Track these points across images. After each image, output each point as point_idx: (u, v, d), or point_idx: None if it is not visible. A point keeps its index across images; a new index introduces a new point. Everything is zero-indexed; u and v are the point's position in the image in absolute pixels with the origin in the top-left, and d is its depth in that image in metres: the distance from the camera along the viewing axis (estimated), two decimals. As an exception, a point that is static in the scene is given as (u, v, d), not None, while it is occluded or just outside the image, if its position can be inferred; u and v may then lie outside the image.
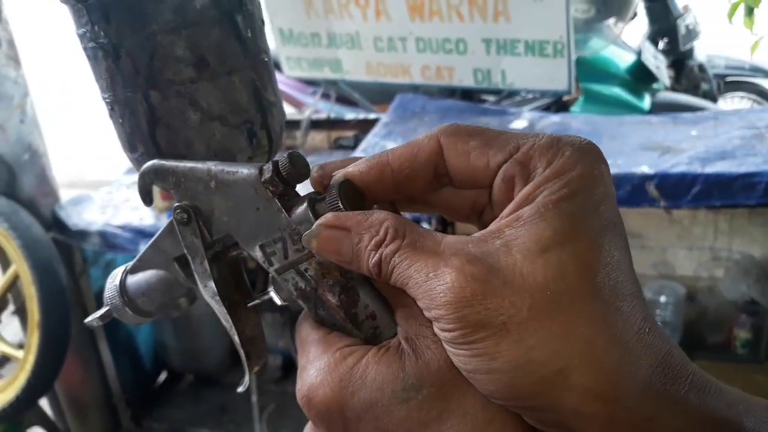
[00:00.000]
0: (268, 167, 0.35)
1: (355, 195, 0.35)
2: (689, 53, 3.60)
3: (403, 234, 0.32)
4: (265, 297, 0.39)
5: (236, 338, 0.38)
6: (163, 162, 0.38)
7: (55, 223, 1.94)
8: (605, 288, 0.29)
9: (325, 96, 2.73)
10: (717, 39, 4.28)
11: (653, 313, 2.04)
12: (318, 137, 2.43)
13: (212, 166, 0.37)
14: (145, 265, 0.41)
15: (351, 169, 0.36)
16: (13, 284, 1.86)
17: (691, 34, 3.56)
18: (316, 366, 0.34)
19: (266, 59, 0.49)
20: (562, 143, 0.31)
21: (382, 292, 0.36)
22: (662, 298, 2.03)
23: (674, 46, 3.52)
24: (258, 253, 0.36)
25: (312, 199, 0.35)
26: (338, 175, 0.36)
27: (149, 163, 0.38)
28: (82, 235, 1.88)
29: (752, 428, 0.29)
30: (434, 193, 0.37)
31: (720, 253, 2.13)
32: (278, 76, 3.02)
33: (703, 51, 3.75)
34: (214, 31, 0.43)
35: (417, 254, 0.31)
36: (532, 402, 0.29)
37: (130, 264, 0.42)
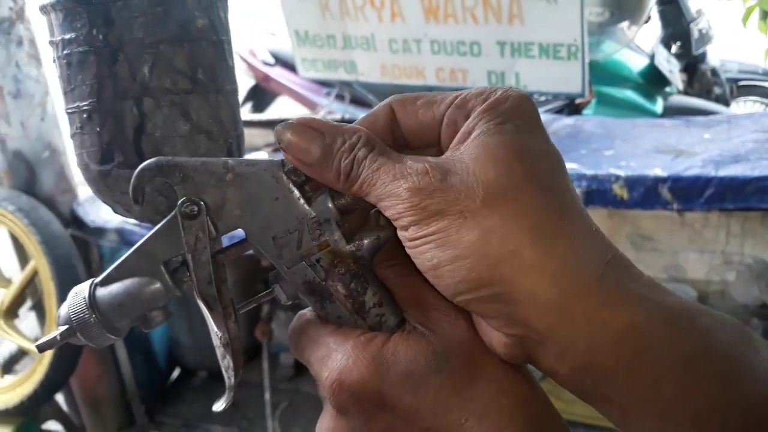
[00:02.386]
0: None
1: None
2: (702, 57, 3.60)
3: (374, 143, 0.35)
4: (266, 297, 0.39)
5: (227, 345, 0.37)
6: (168, 158, 0.36)
7: (74, 220, 1.96)
8: (549, 189, 0.32)
9: (340, 97, 2.74)
10: (730, 43, 4.27)
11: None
12: (332, 138, 2.45)
13: (229, 160, 0.37)
14: (124, 273, 0.37)
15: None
16: (32, 280, 1.89)
17: (704, 38, 3.55)
18: (343, 350, 0.35)
19: (237, 88, 0.51)
20: (493, 88, 0.35)
21: (386, 283, 0.37)
22: (674, 301, 2.03)
23: (687, 49, 3.52)
24: (269, 246, 0.36)
25: (331, 189, 0.36)
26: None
27: (151, 159, 0.36)
28: (100, 232, 1.91)
29: (707, 325, 0.31)
30: None
31: (732, 256, 2.12)
32: (293, 76, 3.05)
33: (716, 55, 3.74)
34: (210, 51, 0.45)
35: (384, 159, 0.34)
36: (493, 288, 0.31)
37: (98, 278, 0.38)
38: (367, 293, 0.36)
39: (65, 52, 0.44)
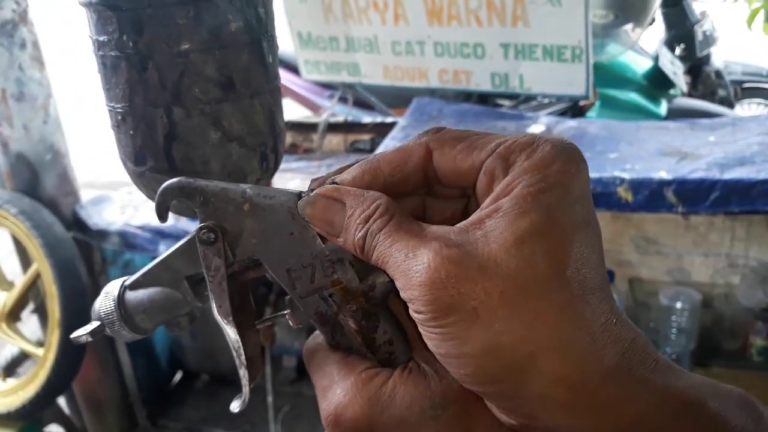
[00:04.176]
0: (307, 193, 0.36)
1: None
2: (706, 59, 3.59)
3: (391, 214, 0.33)
4: (278, 318, 0.41)
5: (242, 358, 0.38)
6: (190, 180, 0.37)
7: (76, 223, 1.96)
8: (574, 281, 0.30)
9: (343, 99, 2.74)
10: (734, 45, 4.26)
11: (669, 318, 2.01)
12: (335, 140, 2.45)
13: (247, 189, 0.37)
14: (150, 281, 0.40)
15: (345, 176, 0.37)
16: (34, 283, 1.88)
17: (709, 40, 3.54)
18: (343, 386, 0.35)
19: (279, 85, 0.49)
20: (542, 140, 0.32)
21: (399, 319, 0.37)
22: (678, 305, 2.03)
23: (691, 52, 3.51)
24: (283, 277, 0.36)
25: None
26: (334, 178, 0.37)
27: (174, 180, 0.37)
28: (103, 234, 1.90)
29: (716, 409, 0.30)
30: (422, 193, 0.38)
31: (736, 259, 2.11)
32: (296, 79, 3.04)
33: (720, 57, 3.74)
34: (243, 55, 0.44)
35: (400, 234, 0.32)
36: (501, 386, 0.30)
37: (129, 279, 0.41)
38: (378, 331, 0.36)
39: (100, 52, 0.43)
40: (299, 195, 0.36)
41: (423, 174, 0.35)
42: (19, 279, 1.93)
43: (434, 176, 0.35)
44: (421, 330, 0.31)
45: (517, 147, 0.32)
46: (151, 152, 0.44)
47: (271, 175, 0.48)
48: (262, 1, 0.45)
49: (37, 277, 1.85)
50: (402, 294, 0.31)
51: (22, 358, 2.14)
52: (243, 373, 0.39)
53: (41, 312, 2.01)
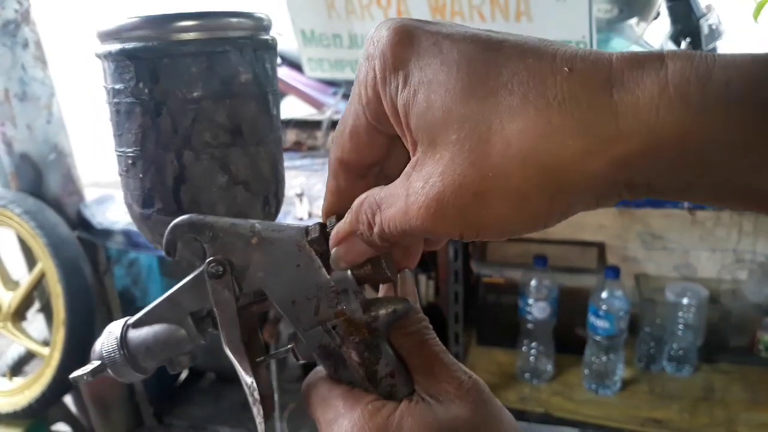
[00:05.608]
0: (314, 227, 0.37)
1: None
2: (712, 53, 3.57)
3: (378, 204, 0.33)
4: (281, 355, 0.41)
5: (256, 394, 0.39)
6: (200, 216, 0.38)
7: (80, 222, 1.96)
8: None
9: (346, 97, 2.74)
10: (740, 39, 4.24)
11: (675, 314, 2.00)
12: (339, 137, 2.44)
13: (256, 223, 0.38)
14: (154, 319, 0.41)
15: (327, 204, 0.38)
16: (39, 282, 1.89)
17: (714, 34, 3.52)
18: (350, 418, 0.35)
19: (281, 136, 0.52)
20: (370, 43, 0.33)
21: (400, 352, 0.38)
22: (684, 300, 2.02)
23: (697, 46, 3.48)
24: (288, 309, 0.37)
25: None
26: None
27: (185, 216, 0.38)
28: (107, 234, 1.90)
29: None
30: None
31: (744, 255, 2.10)
32: (299, 76, 3.05)
33: (726, 51, 3.71)
34: (251, 105, 0.47)
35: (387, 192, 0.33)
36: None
37: (132, 319, 0.42)
38: (380, 363, 0.37)
39: (115, 100, 0.45)
40: (306, 228, 0.37)
41: (375, 138, 0.35)
42: (25, 278, 1.94)
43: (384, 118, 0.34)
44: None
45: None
46: (160, 195, 0.46)
47: (273, 219, 0.50)
48: (269, 57, 0.48)
49: (42, 276, 1.85)
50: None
51: (28, 357, 2.15)
52: (258, 409, 0.39)
53: (47, 311, 2.02)
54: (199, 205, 0.46)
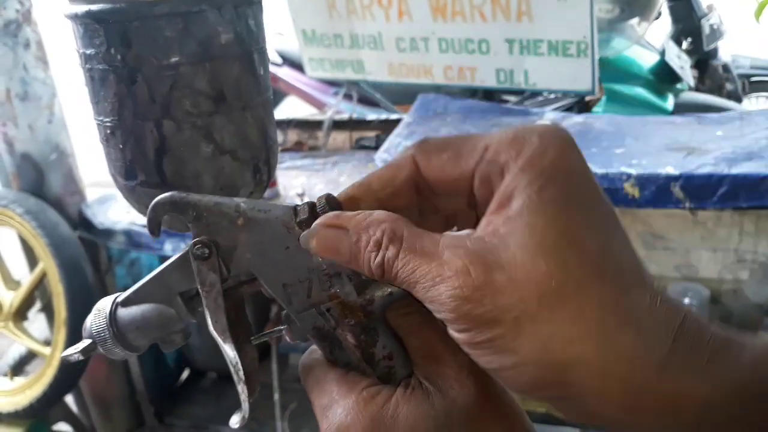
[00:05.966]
0: (303, 207, 0.36)
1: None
2: (713, 53, 3.56)
3: (401, 236, 0.32)
4: (275, 334, 0.40)
5: (240, 374, 0.38)
6: (182, 194, 0.36)
7: (82, 222, 1.96)
8: (607, 269, 0.29)
9: (347, 96, 2.74)
10: (742, 39, 4.23)
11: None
12: (340, 137, 2.44)
13: (241, 203, 0.36)
14: (142, 298, 0.40)
15: (336, 194, 0.37)
16: (41, 282, 1.89)
17: (716, 33, 3.52)
18: (344, 405, 0.34)
19: (271, 98, 0.49)
20: (526, 132, 0.32)
21: (398, 333, 0.37)
22: (686, 300, 2.01)
23: (698, 45, 3.48)
24: (279, 292, 0.36)
25: None
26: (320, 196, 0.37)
27: (166, 194, 0.36)
28: (108, 233, 1.91)
29: None
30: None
31: (745, 255, 2.10)
32: (301, 76, 3.04)
33: (727, 51, 3.71)
34: (234, 67, 0.43)
35: (418, 258, 0.31)
36: (558, 391, 0.30)
37: (121, 296, 0.40)
38: (377, 345, 0.36)
39: (87, 66, 0.43)
40: (294, 208, 0.36)
41: (414, 187, 0.35)
42: (26, 278, 1.94)
43: (426, 188, 0.35)
44: (466, 350, 0.31)
45: (504, 147, 0.32)
46: (142, 166, 0.43)
47: (264, 188, 0.47)
48: (252, 13, 0.44)
49: (44, 276, 1.85)
50: (438, 316, 0.31)
51: (29, 356, 2.15)
52: (242, 388, 0.38)
53: (48, 311, 2.02)
54: (183, 176, 0.43)
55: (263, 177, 0.47)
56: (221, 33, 0.42)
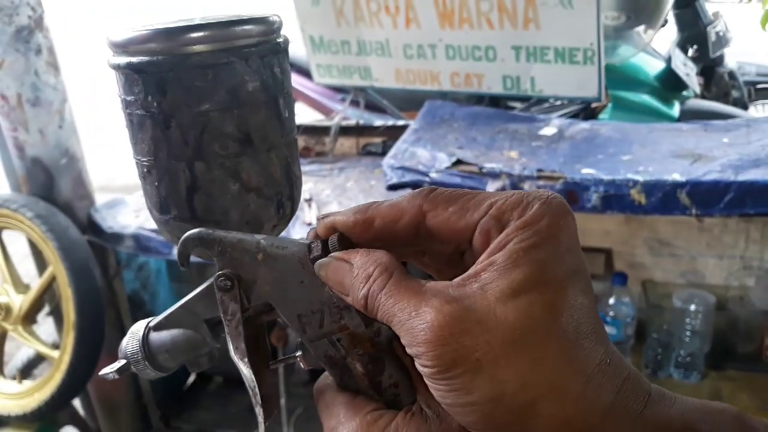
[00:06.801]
0: (316, 245, 0.39)
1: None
2: (719, 60, 3.57)
3: (390, 272, 0.35)
4: (290, 360, 0.44)
5: (258, 397, 0.41)
6: (209, 230, 0.40)
7: (91, 226, 1.98)
8: (569, 328, 0.32)
9: (355, 103, 2.75)
10: (748, 46, 4.23)
11: (683, 321, 2.00)
12: (347, 143, 2.45)
13: (261, 240, 0.40)
14: (173, 323, 0.44)
15: (339, 216, 0.39)
16: (50, 285, 1.90)
17: (722, 41, 3.52)
18: (349, 427, 0.37)
19: (296, 137, 0.52)
20: (532, 197, 0.35)
21: (404, 362, 0.39)
22: (692, 307, 2.02)
23: (704, 53, 3.49)
24: (294, 322, 0.39)
25: None
26: (326, 220, 0.40)
27: (195, 230, 0.40)
28: (117, 238, 1.92)
29: (708, 431, 0.32)
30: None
31: (751, 261, 2.10)
32: (308, 83, 3.06)
33: (733, 58, 3.71)
34: (260, 112, 0.47)
35: (401, 293, 0.34)
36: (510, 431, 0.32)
37: (153, 321, 0.44)
38: (384, 374, 0.39)
39: (128, 111, 0.46)
40: (309, 246, 0.39)
41: (414, 232, 0.38)
42: (35, 282, 1.95)
43: (426, 234, 0.38)
44: (427, 382, 0.33)
45: (509, 206, 0.35)
46: (175, 202, 0.47)
47: (288, 220, 0.51)
48: (278, 62, 0.48)
49: (53, 279, 1.86)
50: (408, 350, 0.34)
51: (37, 360, 2.16)
52: (259, 411, 0.41)
53: (57, 314, 2.03)
54: (212, 212, 0.47)
55: (286, 211, 0.51)
56: (248, 82, 0.45)
